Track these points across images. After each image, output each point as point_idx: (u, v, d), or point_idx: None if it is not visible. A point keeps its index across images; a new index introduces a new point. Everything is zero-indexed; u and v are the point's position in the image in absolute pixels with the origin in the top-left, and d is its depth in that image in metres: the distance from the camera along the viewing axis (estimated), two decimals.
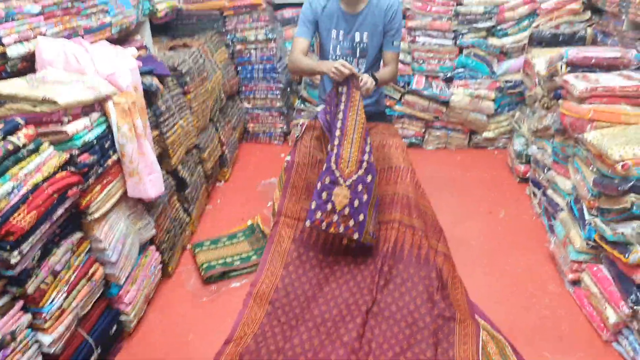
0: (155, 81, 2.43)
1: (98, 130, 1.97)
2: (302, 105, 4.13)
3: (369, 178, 2.18)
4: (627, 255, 1.94)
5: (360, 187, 2.15)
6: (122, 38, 2.89)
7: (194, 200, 2.99)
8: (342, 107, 2.27)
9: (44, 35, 2.12)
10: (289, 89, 4.39)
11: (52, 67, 2.06)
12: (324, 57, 2.58)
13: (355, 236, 2.12)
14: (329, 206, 2.11)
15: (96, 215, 1.93)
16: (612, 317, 2.05)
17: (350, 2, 2.43)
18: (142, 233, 2.32)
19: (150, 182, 2.20)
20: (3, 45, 1.91)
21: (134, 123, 2.09)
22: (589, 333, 2.18)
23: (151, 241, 2.49)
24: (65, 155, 1.76)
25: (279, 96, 4.12)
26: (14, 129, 1.61)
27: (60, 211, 1.71)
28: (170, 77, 2.71)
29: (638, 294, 1.91)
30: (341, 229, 2.11)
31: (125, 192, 2.16)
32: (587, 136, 2.22)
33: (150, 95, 2.43)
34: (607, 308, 2.08)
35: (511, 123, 3.84)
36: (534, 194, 3.16)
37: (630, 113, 2.29)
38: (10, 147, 1.54)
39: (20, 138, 1.60)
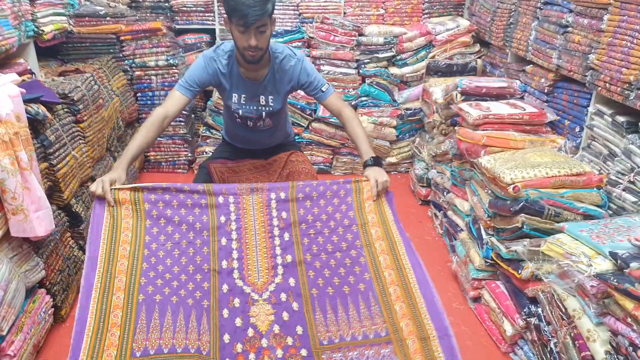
0: (42, 109, 2.24)
1: None
2: (208, 132, 4.04)
3: (292, 281, 1.73)
4: (520, 271, 2.08)
5: (283, 296, 1.70)
6: (1, 62, 2.65)
7: None
8: (232, 217, 1.85)
9: None
10: (193, 116, 4.27)
11: None
12: (228, 114, 2.37)
13: (303, 353, 1.59)
14: (250, 331, 1.62)
15: None
16: (509, 330, 2.17)
17: (250, 70, 2.12)
18: (28, 276, 2.10)
19: (38, 219, 2.00)
20: None
21: (16, 155, 1.90)
22: (489, 346, 2.29)
23: (40, 284, 2.26)
24: None
25: (182, 123, 3.99)
26: None
27: None
28: (60, 104, 2.52)
29: (530, 307, 2.04)
30: (279, 354, 1.57)
31: (7, 232, 1.95)
32: (481, 161, 2.38)
33: (36, 125, 2.24)
34: (504, 321, 2.21)
35: (412, 148, 4.03)
36: (436, 216, 3.31)
37: (517, 139, 2.49)
38: None
39: None
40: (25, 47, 2.90)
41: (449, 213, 3.02)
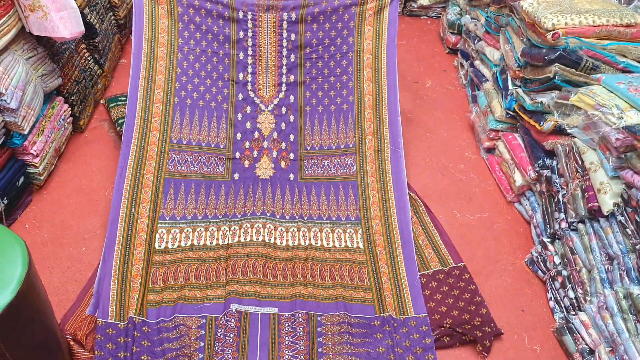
0: None
1: None
2: None
3: (292, 98, 2.13)
4: (541, 124, 2.03)
5: (284, 110, 2.12)
6: None
7: (106, 51, 2.70)
8: (249, 34, 2.11)
9: None
10: None
11: None
12: None
13: (291, 156, 2.10)
14: (256, 134, 2.09)
15: None
16: (519, 180, 2.20)
17: None
18: (45, 81, 2.08)
19: (62, 20, 1.90)
20: None
21: None
22: (495, 195, 2.34)
23: (58, 92, 2.26)
24: None
25: None
26: None
27: None
28: None
29: (545, 159, 2.04)
30: (274, 154, 2.08)
31: (21, 30, 1.88)
32: (523, 4, 2.19)
33: None
34: (515, 172, 2.23)
35: None
36: (462, 65, 3.18)
37: None
38: None
39: None
40: None
41: (477, 63, 2.88)
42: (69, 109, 2.31)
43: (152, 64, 1.99)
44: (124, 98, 2.60)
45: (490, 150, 2.52)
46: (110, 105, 2.53)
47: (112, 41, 2.82)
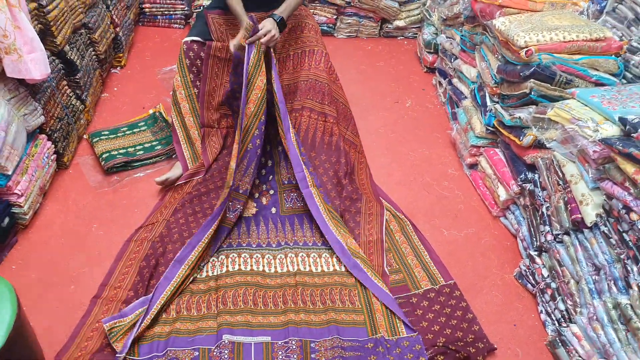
0: None
1: None
2: None
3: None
4: (521, 138, 2.08)
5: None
6: None
7: (87, 86, 2.70)
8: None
9: None
10: None
11: None
12: None
13: (271, 192, 2.27)
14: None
15: None
16: (502, 195, 2.23)
17: None
18: (28, 120, 2.08)
19: (33, 62, 1.93)
20: None
21: None
22: (481, 210, 2.38)
23: (41, 130, 2.26)
24: None
25: None
26: None
27: None
28: None
29: (527, 173, 2.08)
30: (255, 195, 2.24)
31: (2, 74, 1.88)
32: (495, 22, 2.25)
33: None
34: (499, 187, 2.27)
35: (422, 12, 3.81)
36: (440, 84, 3.24)
37: (537, 0, 2.33)
38: None
39: None
40: None
41: (454, 80, 2.95)
42: (53, 146, 2.30)
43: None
44: (107, 132, 2.60)
45: (473, 166, 2.56)
46: (94, 140, 2.52)
47: (93, 76, 2.83)
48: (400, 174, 2.57)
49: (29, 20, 1.96)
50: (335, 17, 3.91)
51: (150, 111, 2.80)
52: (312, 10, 3.81)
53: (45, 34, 2.29)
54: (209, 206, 2.16)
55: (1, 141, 1.84)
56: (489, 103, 2.37)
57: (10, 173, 1.93)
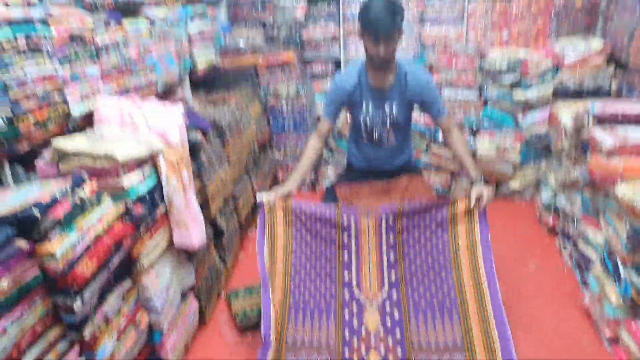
0: (199, 136, 2.57)
1: (149, 183, 2.09)
2: (330, 155, 4.26)
3: (394, 295, 2.17)
4: None
5: (388, 307, 2.16)
6: (165, 92, 3.08)
7: (230, 248, 3.07)
8: (352, 237, 2.25)
9: (100, 93, 2.28)
10: None
11: (109, 123, 2.21)
12: (355, 125, 2.58)
13: (399, 353, 2.07)
14: (363, 332, 2.12)
15: (145, 263, 2.03)
16: None
17: (378, 77, 2.35)
18: (183, 281, 2.40)
19: (195, 234, 2.30)
20: (67, 104, 2.07)
21: (181, 176, 2.21)
22: None
23: (190, 289, 2.57)
24: (122, 208, 1.87)
25: None
26: (80, 183, 1.73)
27: (116, 260, 1.81)
28: (211, 130, 2.86)
29: None
30: (382, 351, 2.08)
31: (170, 242, 2.26)
32: (618, 191, 2.27)
33: (194, 149, 2.57)
34: None
35: (537, 174, 3.89)
36: (564, 247, 3.17)
37: None
38: (78, 200, 1.65)
39: (85, 192, 1.72)
40: (183, 80, 3.34)
41: (580, 244, 2.88)
42: (197, 304, 2.58)
43: (272, 268, 2.19)
44: (243, 291, 2.86)
45: (614, 340, 2.37)
46: (232, 299, 2.79)
47: (235, 239, 3.21)
48: (530, 346, 2.43)
49: (195, 198, 2.38)
50: (449, 180, 4.12)
51: None
52: (425, 175, 4.07)
53: (203, 207, 2.72)
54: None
55: (164, 300, 2.14)
56: (622, 271, 2.28)
57: (164, 330, 2.19)
